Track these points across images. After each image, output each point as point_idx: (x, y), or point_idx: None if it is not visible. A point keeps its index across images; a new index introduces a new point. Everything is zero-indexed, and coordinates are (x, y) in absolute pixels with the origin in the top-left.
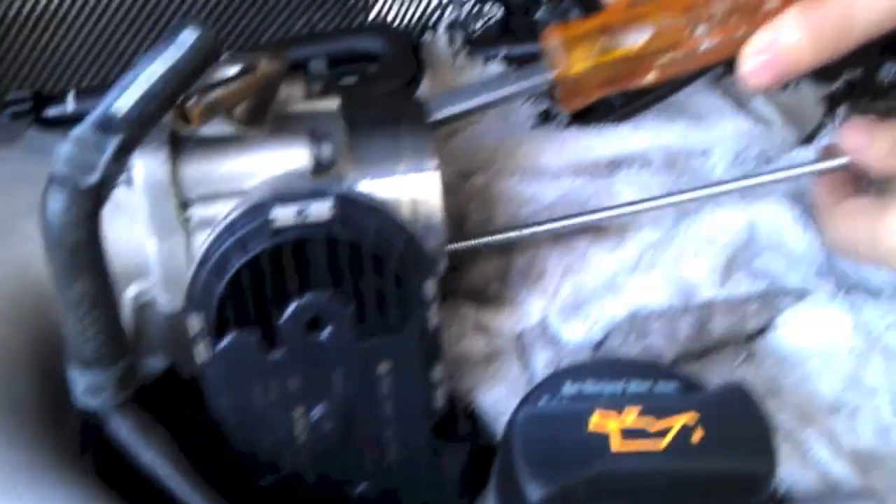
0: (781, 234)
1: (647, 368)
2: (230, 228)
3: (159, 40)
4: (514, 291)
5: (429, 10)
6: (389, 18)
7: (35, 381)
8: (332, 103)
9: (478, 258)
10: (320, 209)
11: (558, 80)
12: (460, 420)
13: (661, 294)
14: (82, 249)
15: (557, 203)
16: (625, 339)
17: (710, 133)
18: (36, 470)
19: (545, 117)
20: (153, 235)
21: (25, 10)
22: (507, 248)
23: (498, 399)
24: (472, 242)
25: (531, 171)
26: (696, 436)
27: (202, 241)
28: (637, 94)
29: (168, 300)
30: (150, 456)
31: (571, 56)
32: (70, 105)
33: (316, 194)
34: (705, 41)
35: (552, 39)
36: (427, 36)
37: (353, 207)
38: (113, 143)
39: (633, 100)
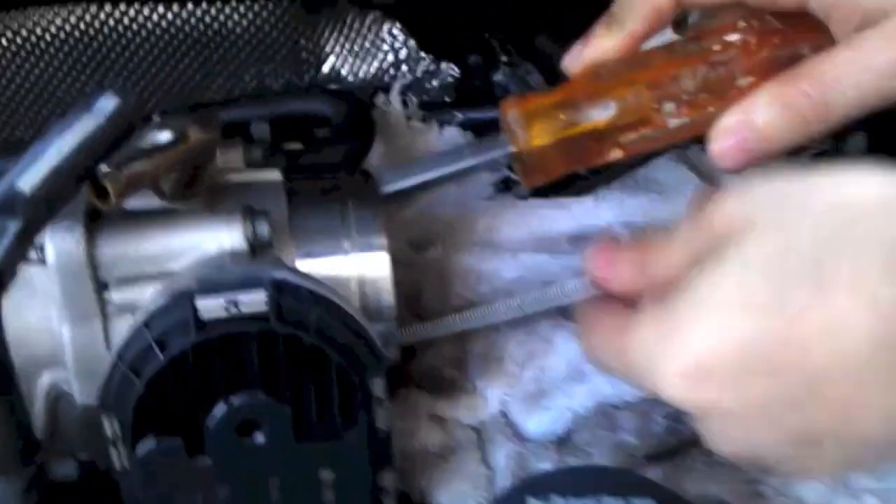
0: None
1: (619, 480)
2: (149, 322)
3: (72, 108)
4: (472, 378)
5: (383, 67)
6: (343, 73)
7: None
8: (272, 174)
9: (433, 344)
10: (253, 299)
11: (517, 155)
12: None
13: (628, 385)
14: None
15: (518, 280)
16: (592, 433)
17: (674, 206)
18: None
19: (504, 186)
20: (68, 320)
21: None
22: (464, 333)
23: (455, 497)
24: (428, 328)
25: (490, 245)
26: None
27: (122, 327)
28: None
29: (84, 392)
30: None
31: (531, 131)
32: None
33: (248, 282)
34: (674, 119)
35: (510, 112)
36: (379, 98)
37: (290, 296)
38: (12, 228)
39: (595, 172)
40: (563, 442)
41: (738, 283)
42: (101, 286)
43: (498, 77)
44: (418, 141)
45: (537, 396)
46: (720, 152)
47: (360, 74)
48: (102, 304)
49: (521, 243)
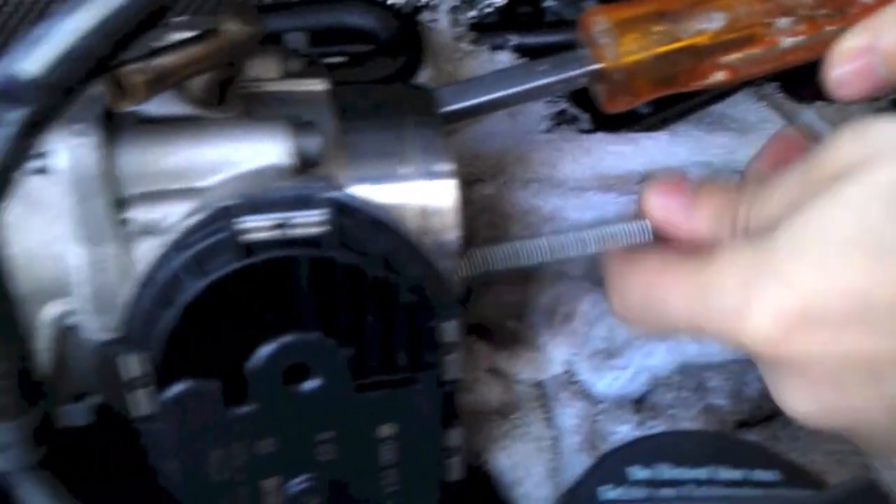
0: None
1: (735, 449)
2: (183, 242)
3: None
4: (536, 332)
5: None
6: None
7: None
8: (318, 84)
9: (491, 288)
10: (308, 220)
11: (603, 73)
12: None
13: (716, 345)
14: None
15: (583, 221)
16: (677, 395)
17: (754, 147)
18: None
19: (561, 119)
20: (79, 242)
21: None
22: (526, 279)
23: (517, 462)
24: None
25: (548, 182)
26: None
27: (143, 251)
28: (669, 101)
29: (98, 325)
30: None
31: (622, 44)
32: None
33: (301, 200)
34: (787, 37)
35: (598, 22)
36: (424, 15)
37: (353, 220)
38: (16, 117)
39: (664, 107)
40: (640, 404)
41: (855, 221)
42: (119, 202)
43: (549, 3)
44: (467, 65)
45: (607, 356)
46: (839, 79)
47: None
48: (120, 223)
49: (585, 181)
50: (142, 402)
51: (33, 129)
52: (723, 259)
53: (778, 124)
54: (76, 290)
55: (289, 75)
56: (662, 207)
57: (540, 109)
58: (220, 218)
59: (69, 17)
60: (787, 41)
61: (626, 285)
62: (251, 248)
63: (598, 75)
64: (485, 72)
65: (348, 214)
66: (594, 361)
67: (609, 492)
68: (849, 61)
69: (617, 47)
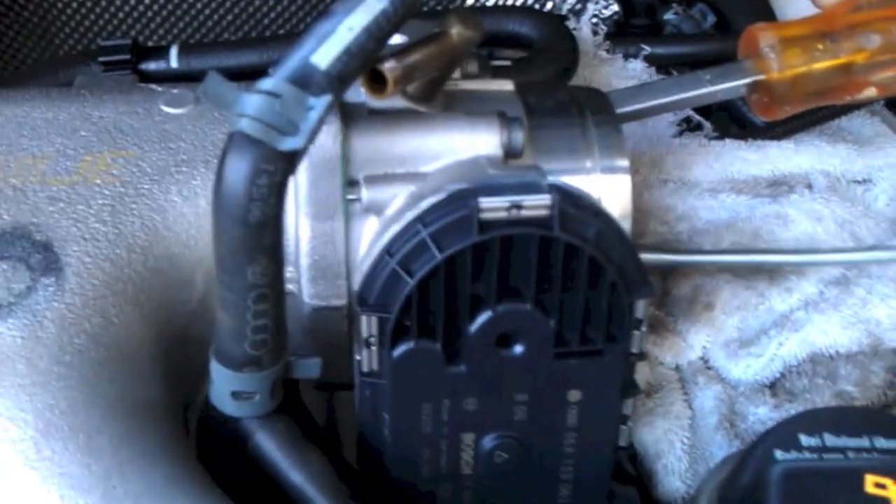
0: None
1: (887, 422)
2: (424, 218)
3: None
4: (676, 319)
5: None
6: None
7: (161, 379)
8: (506, 84)
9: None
10: (537, 203)
11: (765, 83)
12: (625, 459)
13: (845, 336)
14: (263, 228)
15: (721, 223)
16: (811, 381)
17: (873, 160)
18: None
19: (687, 126)
20: (309, 216)
21: None
22: (666, 272)
23: (659, 437)
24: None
25: (682, 184)
26: None
27: (364, 228)
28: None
29: (315, 292)
30: (300, 477)
31: (785, 58)
32: (173, 61)
33: (530, 186)
34: None
35: (765, 37)
36: (570, 23)
37: (572, 205)
38: (322, 102)
39: (785, 120)
40: (775, 388)
41: None
42: (350, 183)
43: (669, 16)
44: (601, 72)
45: (742, 344)
46: None
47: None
48: (348, 202)
49: (716, 184)
50: (370, 360)
51: (328, 114)
52: None
53: (890, 138)
54: (298, 260)
55: (466, 76)
56: None
57: (668, 116)
58: (460, 198)
59: (347, 17)
60: None
61: None
62: (486, 225)
63: (759, 86)
64: (616, 79)
65: (569, 200)
66: (729, 349)
67: (783, 454)
68: None
69: (782, 60)
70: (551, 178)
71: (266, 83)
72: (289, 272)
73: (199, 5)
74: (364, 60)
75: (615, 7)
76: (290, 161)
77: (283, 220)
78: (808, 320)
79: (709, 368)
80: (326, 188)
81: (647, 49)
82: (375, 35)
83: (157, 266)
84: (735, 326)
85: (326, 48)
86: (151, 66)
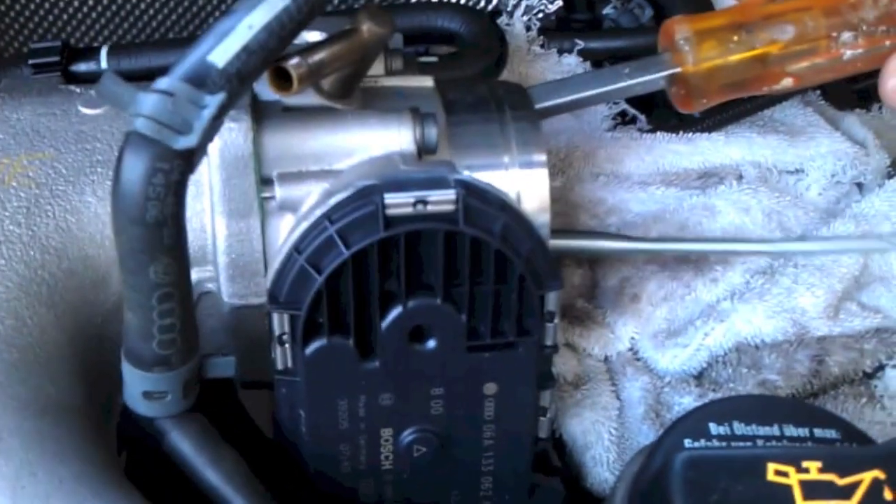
0: (893, 267)
1: (800, 411)
2: (332, 215)
3: None
4: (604, 311)
5: None
6: None
7: (75, 379)
8: (426, 80)
9: (562, 271)
10: (442, 198)
11: (682, 76)
12: (550, 451)
13: (770, 325)
14: (162, 227)
15: (649, 215)
16: (735, 370)
17: (804, 150)
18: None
19: (621, 119)
20: (224, 215)
21: None
22: (593, 261)
23: (587, 429)
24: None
25: (614, 177)
26: (889, 495)
27: (279, 226)
28: (724, 106)
29: (234, 291)
30: (216, 475)
31: (701, 50)
32: (103, 61)
33: (435, 181)
34: (849, 50)
35: (680, 30)
36: (501, 19)
37: (478, 199)
38: (216, 101)
39: (718, 111)
40: (700, 379)
41: None
42: (263, 181)
43: (608, 10)
44: (535, 67)
45: (668, 335)
46: (892, 91)
47: None
48: (262, 200)
49: (647, 177)
50: (284, 357)
51: (224, 113)
52: None
53: (822, 128)
54: (216, 258)
55: (390, 72)
56: None
57: (602, 109)
58: (367, 194)
59: (247, 15)
60: (849, 53)
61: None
62: (393, 221)
63: (676, 78)
64: (553, 73)
65: (475, 194)
66: (656, 340)
67: (692, 442)
68: None
69: (697, 53)
70: (460, 174)
71: (162, 82)
72: (208, 271)
73: (142, 5)
74: (265, 58)
75: (559, 2)
76: (186, 160)
77: (183, 218)
78: (733, 310)
79: (637, 359)
80: (240, 186)
81: (581, 44)
82: (277, 33)
83: (72, 267)
84: (662, 317)
85: (224, 46)
86: (82, 67)
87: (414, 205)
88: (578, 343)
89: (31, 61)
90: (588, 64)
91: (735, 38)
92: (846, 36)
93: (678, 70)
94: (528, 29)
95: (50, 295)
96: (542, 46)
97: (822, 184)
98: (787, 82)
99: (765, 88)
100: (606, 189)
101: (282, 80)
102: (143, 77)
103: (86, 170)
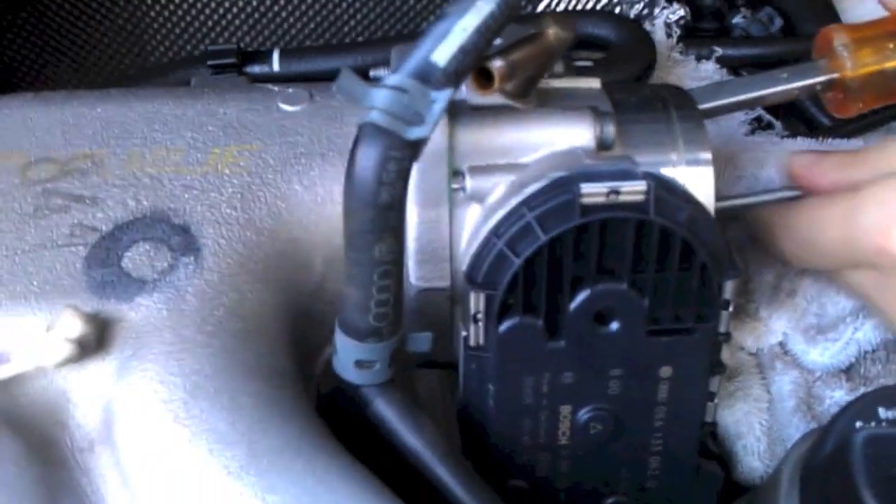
0: None
1: None
2: (529, 203)
3: None
4: (757, 306)
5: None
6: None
7: (290, 350)
8: (593, 82)
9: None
10: (634, 189)
11: (840, 82)
12: (708, 439)
13: None
14: (391, 210)
15: None
16: (884, 366)
17: None
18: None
19: (758, 125)
20: (417, 203)
21: None
22: (747, 257)
23: (738, 419)
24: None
25: (756, 180)
26: None
27: (467, 215)
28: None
29: (421, 274)
30: (417, 442)
31: (859, 57)
32: (275, 64)
33: (627, 174)
34: None
35: (839, 37)
36: (645, 25)
37: (666, 192)
38: (443, 96)
39: (855, 120)
40: (849, 373)
41: None
42: (454, 173)
43: (737, 20)
44: (675, 73)
45: (819, 330)
46: None
47: (572, 4)
48: (453, 190)
49: (787, 181)
50: (477, 334)
51: (446, 107)
52: (868, 191)
53: None
54: (406, 244)
55: (553, 75)
56: (801, 167)
57: (739, 115)
58: (562, 185)
59: (461, 18)
60: None
61: (790, 226)
62: (587, 209)
63: (834, 84)
64: (691, 79)
65: (663, 186)
66: (808, 335)
67: (863, 424)
68: None
69: (855, 59)
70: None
71: (392, 79)
72: None
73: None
74: (476, 58)
75: (681, 12)
76: (415, 149)
77: (406, 203)
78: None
79: (786, 353)
80: (434, 178)
81: (719, 51)
82: (485, 35)
83: (283, 248)
84: (814, 313)
85: (444, 47)
86: (255, 69)
87: (607, 195)
88: (732, 336)
89: (209, 62)
90: (724, 71)
91: (891, 45)
92: None
93: (837, 75)
94: (669, 36)
95: (265, 273)
96: (680, 53)
97: None
98: None
99: None
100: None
101: (483, 79)
102: (312, 79)
103: (291, 161)
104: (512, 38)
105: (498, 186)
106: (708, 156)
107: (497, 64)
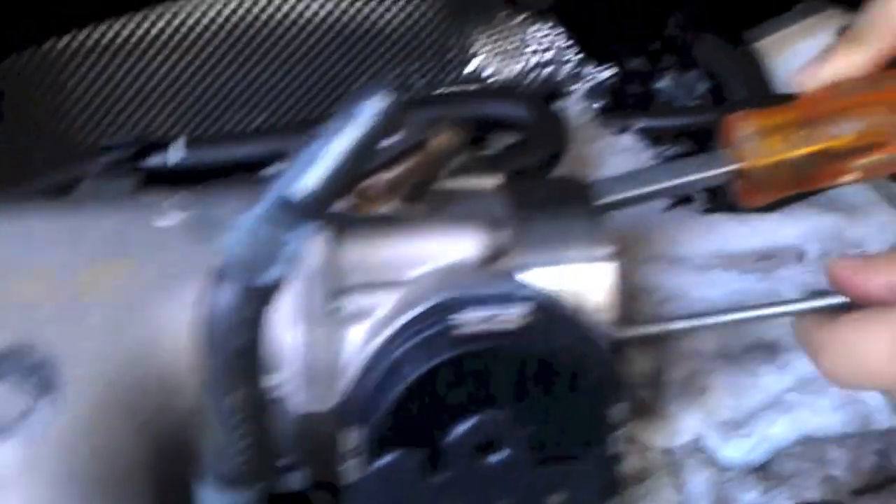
0: None
1: None
2: (405, 332)
3: (342, 106)
4: (668, 403)
5: (528, 68)
6: (486, 74)
7: (154, 487)
8: (494, 180)
9: (626, 362)
10: (511, 316)
11: (745, 172)
12: None
13: (836, 418)
14: (245, 354)
15: (706, 300)
16: (797, 465)
17: (864, 228)
18: None
19: (678, 200)
20: (298, 324)
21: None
22: (658, 352)
23: None
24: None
25: (673, 260)
26: None
27: (353, 334)
28: None
29: (304, 398)
30: None
31: (764, 146)
32: (180, 154)
33: (503, 298)
34: None
35: (743, 127)
36: (558, 103)
37: (546, 315)
38: (296, 237)
39: None
40: (764, 472)
41: None
42: (336, 291)
43: (662, 84)
44: (592, 148)
45: (734, 425)
46: None
47: (504, 75)
48: (335, 309)
49: (705, 259)
50: (353, 470)
51: (305, 245)
52: None
53: (882, 206)
54: (288, 365)
55: (460, 168)
56: (845, 271)
57: None
58: (438, 312)
59: (330, 141)
60: None
61: (831, 345)
62: (464, 339)
63: (739, 174)
64: (611, 152)
65: (543, 310)
66: (721, 430)
67: None
68: None
69: (758, 149)
70: (528, 287)
71: (247, 218)
72: (280, 378)
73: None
74: (348, 182)
75: (609, 72)
76: (269, 293)
77: (262, 346)
78: (799, 401)
79: (700, 451)
80: (315, 296)
81: (638, 124)
82: (358, 155)
83: (150, 376)
84: (728, 408)
85: (308, 176)
86: (158, 160)
87: (482, 323)
88: (642, 436)
89: (106, 158)
90: (646, 142)
91: (797, 134)
92: None
93: (740, 166)
94: (585, 110)
95: (131, 404)
96: (599, 126)
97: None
98: (850, 177)
99: (829, 182)
100: (665, 274)
101: (361, 198)
102: (221, 169)
103: (162, 282)
104: (397, 148)
105: (381, 306)
106: (608, 251)
107: (375, 182)
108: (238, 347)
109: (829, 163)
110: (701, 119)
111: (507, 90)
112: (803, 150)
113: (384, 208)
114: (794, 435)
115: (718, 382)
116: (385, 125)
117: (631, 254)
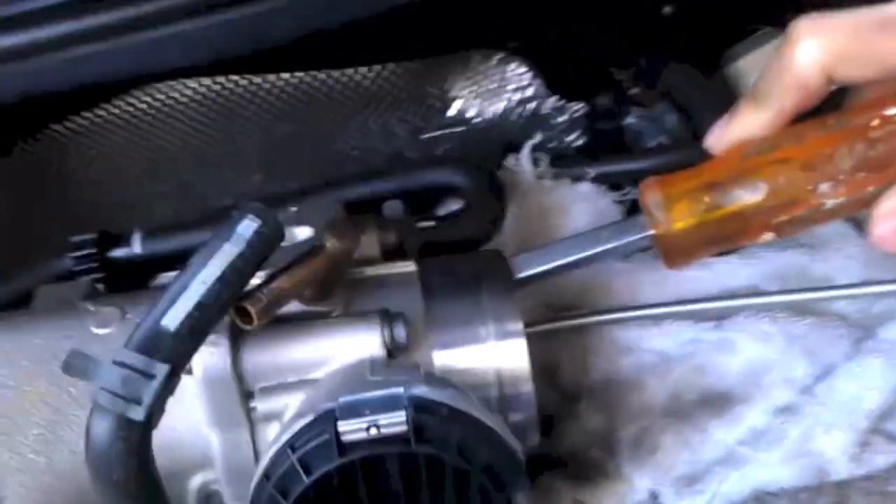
0: None
1: None
2: (293, 443)
3: (215, 232)
4: (620, 463)
5: (510, 106)
6: (469, 115)
7: None
8: (407, 266)
9: (576, 419)
10: (393, 420)
11: (658, 238)
12: None
13: (788, 472)
14: (129, 484)
15: (664, 356)
16: None
17: (828, 264)
18: None
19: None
20: (216, 427)
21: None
22: (610, 411)
23: None
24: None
25: (629, 310)
26: None
27: (268, 434)
28: None
29: (234, 493)
30: None
31: (672, 214)
32: (136, 247)
33: (387, 402)
34: (830, 199)
35: (650, 196)
36: (510, 159)
37: (430, 416)
38: (162, 372)
39: None
40: None
41: None
42: (247, 395)
43: (630, 120)
44: (550, 199)
45: (688, 481)
46: (881, 237)
47: (488, 115)
48: (248, 412)
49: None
50: None
51: (174, 378)
52: None
53: (850, 239)
54: (216, 464)
55: (384, 247)
56: None
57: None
58: (322, 421)
59: (200, 270)
60: (830, 203)
61: None
62: (347, 448)
63: (655, 240)
64: (566, 203)
65: (427, 411)
66: (675, 487)
67: None
68: (888, 221)
69: (668, 216)
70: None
71: (118, 353)
72: (211, 475)
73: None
74: (221, 307)
75: (580, 106)
76: (143, 427)
77: (153, 471)
78: (751, 455)
79: None
80: (225, 402)
81: (592, 172)
82: (232, 280)
83: (82, 489)
84: (681, 464)
85: (177, 308)
86: (118, 253)
87: (367, 429)
88: (591, 500)
89: (71, 255)
90: (604, 187)
91: (707, 198)
92: (824, 186)
93: (652, 233)
94: (537, 163)
95: None
96: (554, 177)
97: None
98: (768, 236)
99: (746, 242)
100: (619, 328)
101: (243, 316)
102: (178, 258)
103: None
104: (287, 259)
105: (290, 407)
106: (518, 327)
107: (254, 301)
108: (123, 477)
109: (744, 223)
110: (654, 162)
111: (451, 159)
112: (715, 214)
113: (289, 308)
114: (746, 489)
115: (669, 439)
116: (260, 249)
117: (591, 302)
